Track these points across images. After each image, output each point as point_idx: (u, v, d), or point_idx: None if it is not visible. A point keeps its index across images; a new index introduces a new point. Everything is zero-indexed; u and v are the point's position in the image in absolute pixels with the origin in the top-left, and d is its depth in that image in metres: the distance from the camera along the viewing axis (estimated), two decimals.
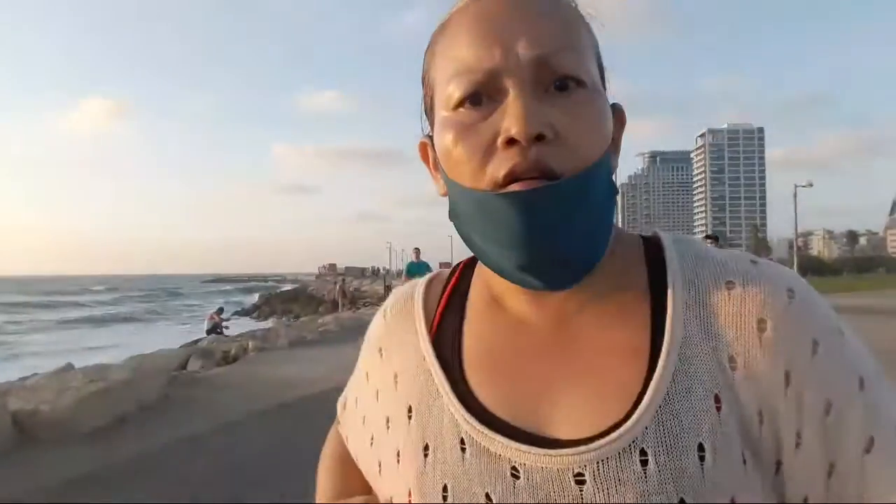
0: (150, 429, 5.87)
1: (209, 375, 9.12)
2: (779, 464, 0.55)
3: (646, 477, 0.52)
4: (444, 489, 0.58)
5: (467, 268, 0.74)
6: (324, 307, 39.63)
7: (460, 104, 0.57)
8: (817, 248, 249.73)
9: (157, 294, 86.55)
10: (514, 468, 0.56)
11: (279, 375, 8.61)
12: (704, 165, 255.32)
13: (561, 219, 0.54)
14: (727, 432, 0.53)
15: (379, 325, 0.75)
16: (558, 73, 0.55)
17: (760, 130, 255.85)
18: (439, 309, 0.70)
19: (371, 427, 0.71)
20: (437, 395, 0.63)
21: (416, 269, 12.85)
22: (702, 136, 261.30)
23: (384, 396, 0.69)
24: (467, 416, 0.60)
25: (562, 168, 0.54)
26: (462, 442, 0.59)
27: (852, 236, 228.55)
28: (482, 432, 0.58)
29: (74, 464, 4.82)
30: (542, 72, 0.55)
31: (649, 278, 0.62)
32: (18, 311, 52.01)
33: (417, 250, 13.50)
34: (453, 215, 0.62)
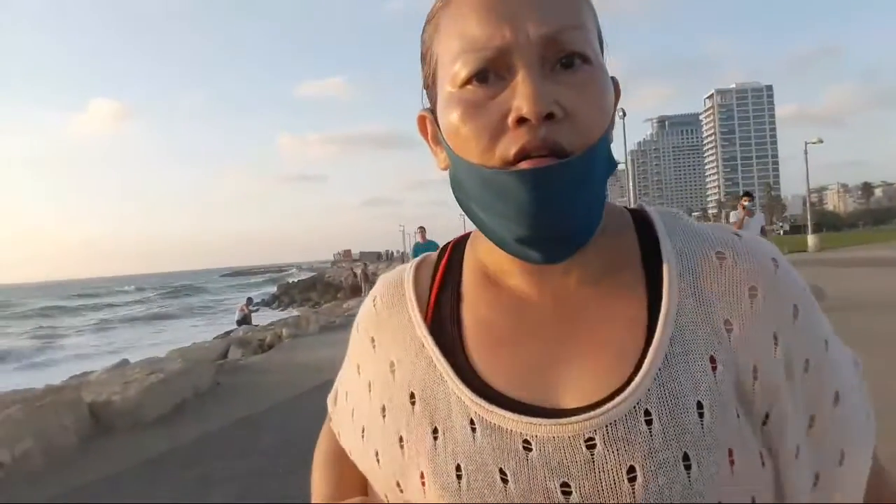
0: (209, 412, 6.39)
1: (251, 362, 9.68)
2: (767, 415, 0.58)
3: (651, 435, 0.55)
4: (458, 468, 0.59)
5: (456, 249, 0.74)
6: (342, 293, 39.67)
7: (467, 82, 0.57)
8: (832, 202, 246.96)
9: (181, 291, 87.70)
10: (525, 441, 0.57)
11: (317, 358, 9.08)
12: (714, 127, 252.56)
13: (568, 195, 0.56)
14: (723, 390, 0.57)
15: (369, 314, 0.74)
16: (565, 50, 0.56)
17: (769, 88, 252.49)
18: (433, 293, 0.70)
19: (362, 419, 0.71)
20: (441, 380, 0.63)
21: (424, 249, 11.42)
22: (710, 97, 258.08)
23: (379, 386, 0.69)
24: (474, 396, 0.60)
25: (571, 145, 0.55)
26: (472, 422, 0.60)
27: (867, 188, 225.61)
28: (491, 411, 0.59)
29: (151, 446, 5.35)
30: (549, 49, 0.55)
31: (641, 251, 0.64)
32: (52, 316, 52.88)
33: (422, 230, 11.95)
34: (457, 189, 0.63)
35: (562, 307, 0.63)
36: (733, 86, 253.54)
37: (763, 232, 9.82)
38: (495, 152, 0.56)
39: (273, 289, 64.58)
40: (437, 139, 0.64)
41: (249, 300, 22.75)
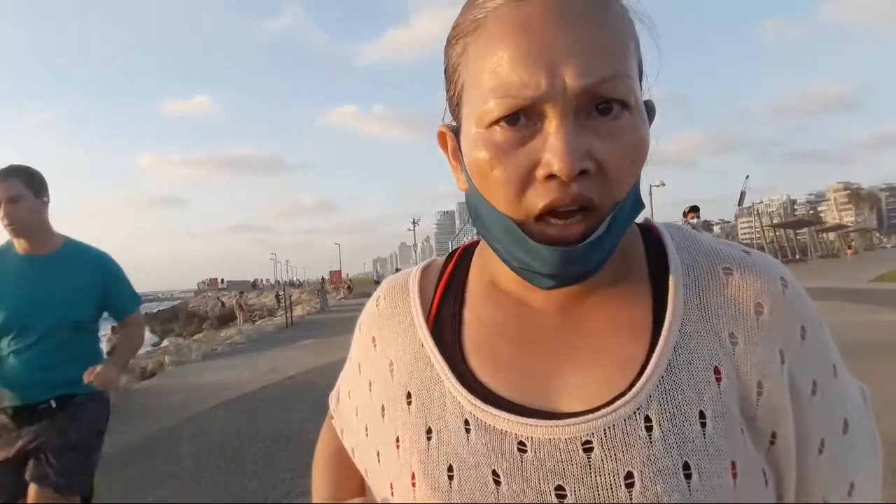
0: (124, 427, 6.47)
1: (143, 387, 9.77)
2: (773, 435, 0.58)
3: (651, 442, 0.54)
4: (450, 469, 0.59)
5: (464, 255, 0.74)
6: (208, 324, 37.79)
7: (495, 122, 0.54)
8: None
9: None
10: (520, 443, 0.57)
11: (212, 381, 9.40)
12: None
13: (595, 253, 0.55)
14: (727, 402, 0.56)
15: (372, 313, 0.75)
16: (603, 97, 0.53)
17: None
18: (437, 295, 0.71)
19: (366, 418, 0.71)
20: (438, 381, 0.63)
21: None
22: None
23: (378, 385, 0.70)
24: (471, 397, 0.60)
25: (601, 200, 0.53)
26: (466, 423, 0.59)
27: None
28: (487, 411, 0.59)
29: None
30: (586, 98, 0.52)
31: (648, 263, 0.64)
32: None
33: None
34: (478, 222, 0.62)
35: (567, 315, 0.63)
36: None
37: None
38: (521, 203, 0.54)
39: None
40: (457, 156, 0.64)
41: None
